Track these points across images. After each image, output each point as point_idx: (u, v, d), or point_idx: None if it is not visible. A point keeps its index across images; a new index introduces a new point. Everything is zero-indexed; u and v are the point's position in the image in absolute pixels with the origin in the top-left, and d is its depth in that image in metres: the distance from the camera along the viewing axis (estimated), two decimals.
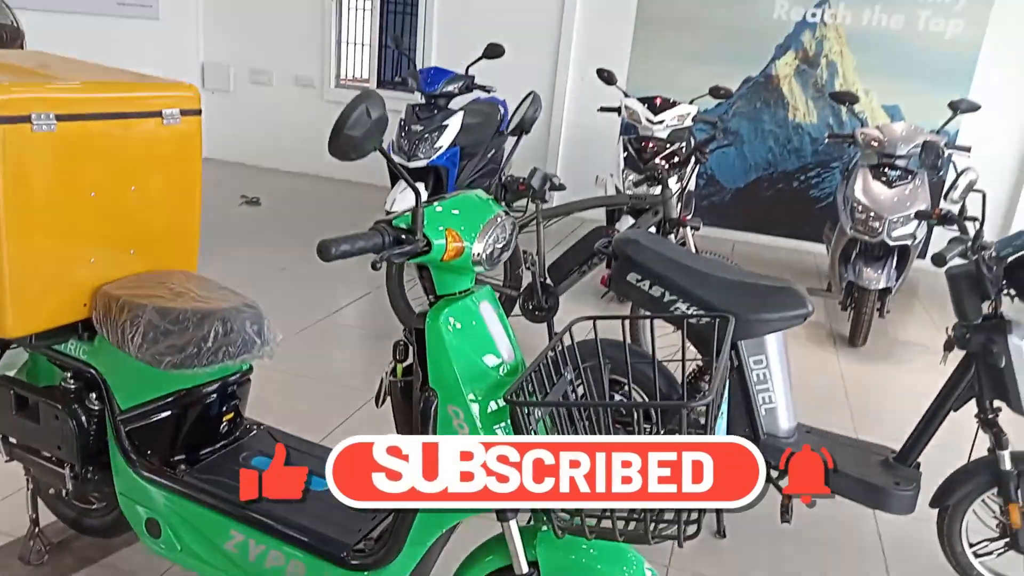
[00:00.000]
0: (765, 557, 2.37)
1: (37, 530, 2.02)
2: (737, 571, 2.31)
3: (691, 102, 4.57)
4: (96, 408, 1.77)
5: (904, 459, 2.19)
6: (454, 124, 4.93)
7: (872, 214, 3.85)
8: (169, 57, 6.76)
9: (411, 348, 1.47)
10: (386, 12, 7.05)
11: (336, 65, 7.04)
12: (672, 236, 3.22)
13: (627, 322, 1.60)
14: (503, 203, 1.57)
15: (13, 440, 1.88)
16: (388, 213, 4.83)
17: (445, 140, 4.59)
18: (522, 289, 3.22)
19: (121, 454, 1.76)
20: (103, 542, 2.10)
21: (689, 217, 3.13)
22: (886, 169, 4.02)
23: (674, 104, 4.49)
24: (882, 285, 3.82)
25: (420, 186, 4.96)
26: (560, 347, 1.46)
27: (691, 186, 4.34)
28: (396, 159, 4.80)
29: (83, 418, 1.75)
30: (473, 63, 4.98)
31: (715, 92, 4.43)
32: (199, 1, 7.10)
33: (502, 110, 5.50)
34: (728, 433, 2.16)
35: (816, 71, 5.77)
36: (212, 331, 1.64)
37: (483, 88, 5.00)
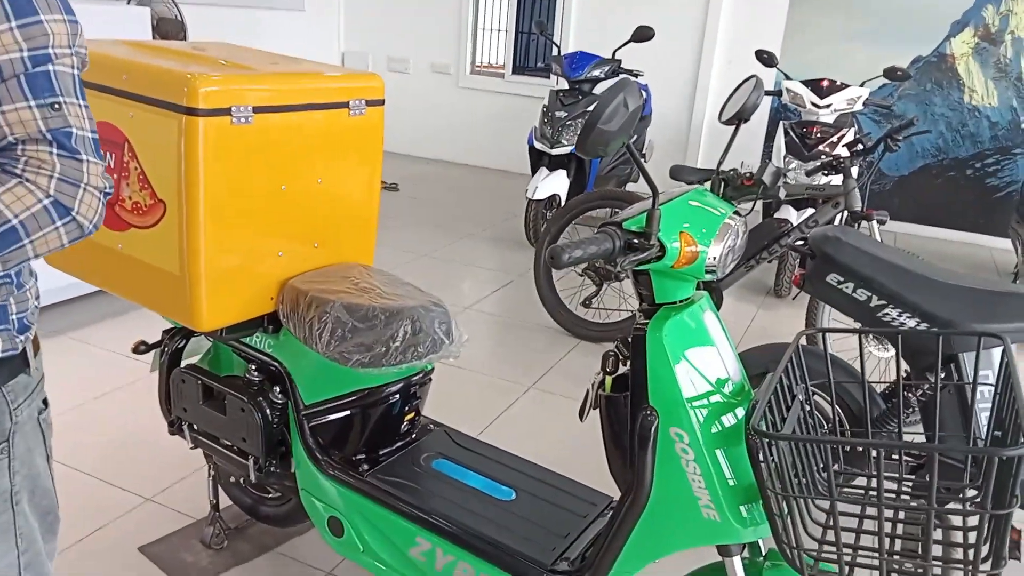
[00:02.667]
0: None
1: (217, 515, 2.05)
2: None
3: (862, 84, 4.21)
4: (280, 402, 1.75)
5: None
6: None
7: None
8: (312, 46, 6.94)
9: (622, 359, 1.34)
10: None
11: (472, 52, 7.00)
12: None
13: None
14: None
15: (197, 428, 1.90)
16: (529, 200, 4.78)
17: None
18: None
19: (304, 450, 1.74)
20: (278, 530, 2.11)
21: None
22: None
23: (842, 87, 4.16)
24: None
25: (562, 173, 4.77)
26: (789, 362, 1.30)
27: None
28: (539, 146, 4.70)
29: (268, 411, 1.73)
30: (621, 47, 4.81)
31: (891, 73, 4.06)
32: None
33: (644, 95, 5.30)
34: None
35: (999, 49, 5.21)
36: (401, 330, 1.58)
37: (631, 73, 4.81)
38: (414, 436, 1.88)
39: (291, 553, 2.07)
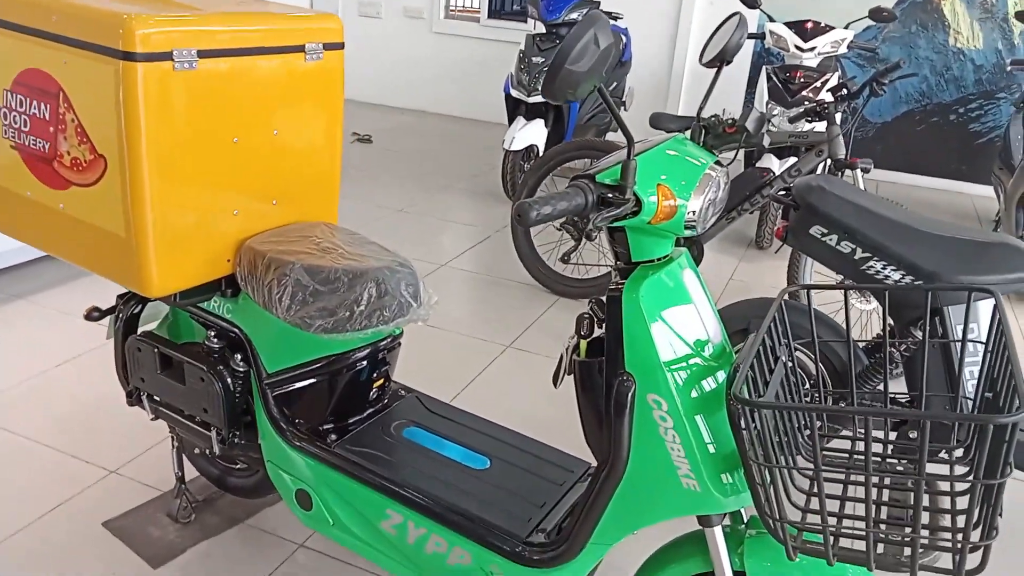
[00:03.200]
0: None
1: (184, 487, 1.98)
2: None
3: (847, 26, 4.09)
4: (242, 370, 1.66)
5: None
6: None
7: None
8: None
9: (597, 322, 1.27)
10: None
11: None
12: None
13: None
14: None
15: (157, 399, 1.82)
16: (506, 151, 4.65)
17: None
18: None
19: (269, 421, 1.66)
20: (247, 502, 2.05)
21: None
22: None
23: (827, 29, 4.03)
24: None
25: (540, 123, 4.62)
26: (773, 321, 1.23)
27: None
28: (515, 94, 4.56)
29: (229, 380, 1.64)
30: None
31: (876, 15, 3.93)
32: None
33: (624, 39, 5.14)
34: None
35: None
36: (365, 293, 1.49)
37: (611, 15, 4.65)
38: (384, 403, 1.80)
39: (261, 525, 2.00)
